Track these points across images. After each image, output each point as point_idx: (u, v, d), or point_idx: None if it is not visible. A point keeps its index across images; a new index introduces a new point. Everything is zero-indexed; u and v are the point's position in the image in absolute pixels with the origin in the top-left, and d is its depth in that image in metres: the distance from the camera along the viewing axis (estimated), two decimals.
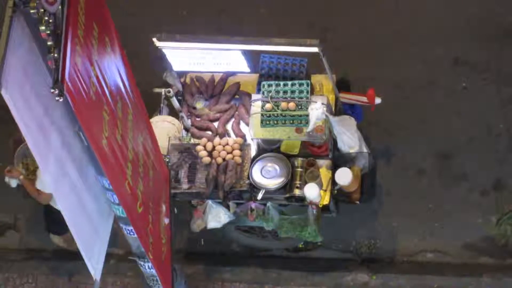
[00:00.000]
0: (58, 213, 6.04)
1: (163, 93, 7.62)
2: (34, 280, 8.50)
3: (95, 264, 5.91)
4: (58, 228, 7.93)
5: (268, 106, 7.26)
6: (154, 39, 7.07)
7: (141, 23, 8.99)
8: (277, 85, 7.31)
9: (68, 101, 4.70)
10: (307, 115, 7.17)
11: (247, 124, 7.48)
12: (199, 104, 7.72)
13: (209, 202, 7.47)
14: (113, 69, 5.58)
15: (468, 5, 8.96)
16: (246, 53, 7.31)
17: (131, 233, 5.97)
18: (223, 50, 7.23)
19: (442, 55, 8.82)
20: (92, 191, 5.69)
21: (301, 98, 7.23)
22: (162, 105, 7.70)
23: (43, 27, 4.52)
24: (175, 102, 7.64)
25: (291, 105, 7.22)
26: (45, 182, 7.28)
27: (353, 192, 7.31)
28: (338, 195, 7.38)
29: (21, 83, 4.62)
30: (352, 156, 7.32)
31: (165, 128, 7.54)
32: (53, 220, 7.82)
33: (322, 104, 7.17)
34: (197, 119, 7.67)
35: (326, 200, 7.30)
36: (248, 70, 7.56)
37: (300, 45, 6.93)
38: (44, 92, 4.77)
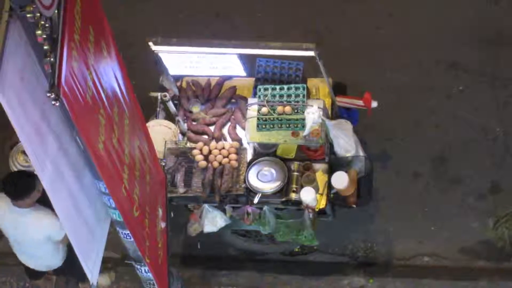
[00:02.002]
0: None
1: (159, 97, 7.62)
2: (31, 284, 8.47)
3: (92, 268, 5.90)
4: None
5: (264, 110, 7.26)
6: (150, 43, 7.06)
7: (137, 27, 8.98)
8: (273, 89, 7.30)
9: (64, 105, 4.70)
10: (304, 119, 7.17)
11: (243, 128, 7.48)
12: (195, 108, 7.72)
13: (206, 206, 7.46)
14: (109, 73, 5.58)
15: (464, 8, 8.98)
16: (242, 57, 7.31)
17: (128, 237, 5.96)
18: (219, 54, 7.23)
19: (438, 58, 8.83)
20: (88, 195, 5.68)
21: (297, 102, 7.22)
22: (158, 109, 7.69)
23: (39, 31, 4.51)
24: (171, 106, 7.64)
25: (287, 109, 7.22)
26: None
27: (349, 196, 7.30)
28: (335, 199, 7.36)
29: (18, 88, 4.61)
30: (348, 160, 7.31)
31: (161, 132, 7.52)
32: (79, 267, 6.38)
33: (319, 108, 7.17)
34: (193, 123, 7.67)
35: (322, 204, 7.29)
36: (244, 74, 7.56)
37: (296, 49, 6.94)
38: (40, 97, 4.76)
